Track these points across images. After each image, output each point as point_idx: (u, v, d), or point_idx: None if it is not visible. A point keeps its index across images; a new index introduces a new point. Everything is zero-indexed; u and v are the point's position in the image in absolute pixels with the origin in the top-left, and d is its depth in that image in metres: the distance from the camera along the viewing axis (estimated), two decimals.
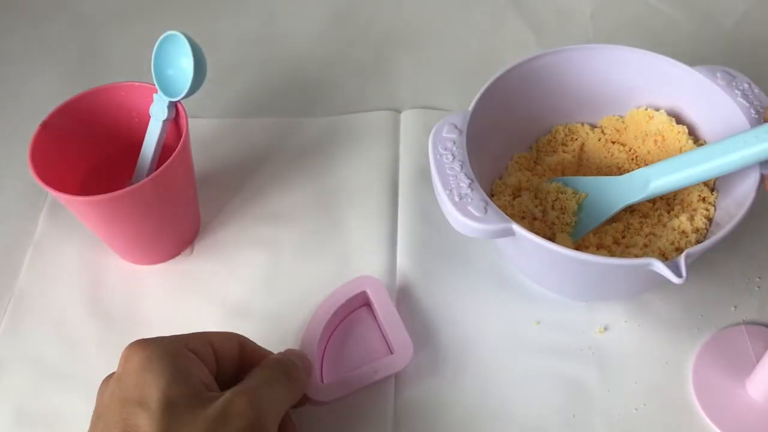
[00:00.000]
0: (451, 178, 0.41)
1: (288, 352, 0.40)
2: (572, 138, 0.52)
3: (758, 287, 0.48)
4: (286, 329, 0.48)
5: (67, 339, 0.48)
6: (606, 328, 0.47)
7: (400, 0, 0.70)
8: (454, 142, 0.43)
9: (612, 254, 0.45)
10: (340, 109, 0.61)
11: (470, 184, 0.41)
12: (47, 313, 0.49)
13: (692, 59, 0.48)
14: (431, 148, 0.43)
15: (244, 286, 0.50)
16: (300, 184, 0.56)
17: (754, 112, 0.45)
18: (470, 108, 0.44)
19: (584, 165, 0.52)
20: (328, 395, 0.42)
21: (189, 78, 0.45)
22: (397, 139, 0.58)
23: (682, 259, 0.37)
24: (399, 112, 0.60)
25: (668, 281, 0.37)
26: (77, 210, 0.46)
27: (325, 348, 0.46)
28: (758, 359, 0.43)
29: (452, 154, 0.42)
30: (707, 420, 0.43)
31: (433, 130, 0.44)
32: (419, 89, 0.62)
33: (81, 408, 0.45)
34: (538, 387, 0.45)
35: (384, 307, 0.46)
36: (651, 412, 0.43)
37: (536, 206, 0.46)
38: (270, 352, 0.40)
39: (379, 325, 0.47)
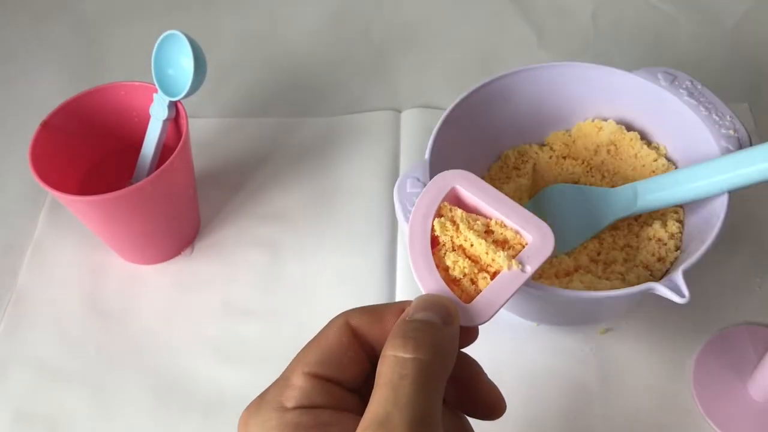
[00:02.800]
0: None
1: (416, 308, 0.29)
2: (523, 160, 0.51)
3: (759, 287, 0.48)
4: (286, 329, 0.48)
5: (67, 339, 0.48)
6: (607, 329, 0.47)
7: (400, 0, 0.70)
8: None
9: (593, 273, 0.45)
10: (340, 109, 0.61)
11: None
12: (47, 313, 0.49)
13: (693, 59, 0.49)
14: (398, 206, 0.41)
15: (244, 286, 0.50)
16: (300, 184, 0.56)
17: (703, 109, 0.44)
18: (426, 156, 0.44)
19: (540, 185, 0.51)
20: (482, 315, 0.33)
21: (189, 78, 0.45)
22: (397, 139, 0.58)
23: (681, 279, 0.37)
24: (399, 111, 0.60)
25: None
26: (77, 210, 0.46)
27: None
28: (759, 360, 0.43)
29: None
30: (708, 420, 0.43)
31: (396, 187, 0.42)
32: (419, 89, 0.62)
33: (81, 408, 0.45)
34: (539, 388, 0.45)
35: (488, 195, 0.34)
36: (652, 412, 0.43)
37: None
38: (392, 309, 0.30)
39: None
